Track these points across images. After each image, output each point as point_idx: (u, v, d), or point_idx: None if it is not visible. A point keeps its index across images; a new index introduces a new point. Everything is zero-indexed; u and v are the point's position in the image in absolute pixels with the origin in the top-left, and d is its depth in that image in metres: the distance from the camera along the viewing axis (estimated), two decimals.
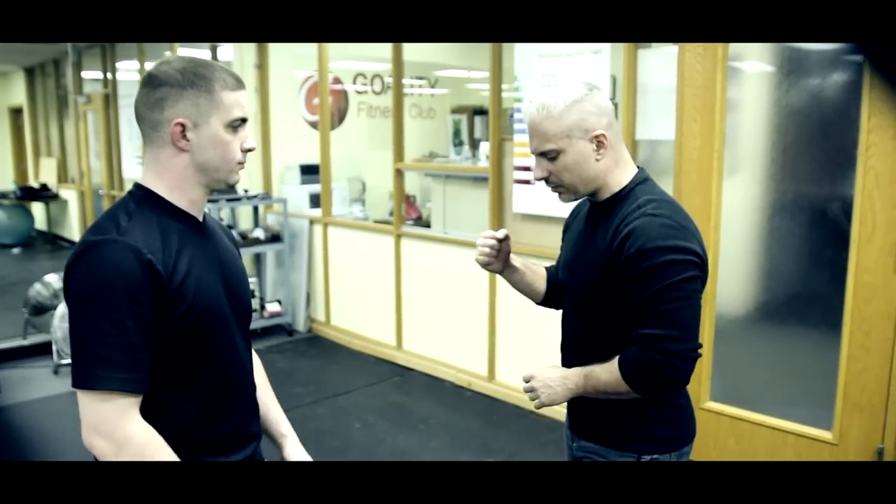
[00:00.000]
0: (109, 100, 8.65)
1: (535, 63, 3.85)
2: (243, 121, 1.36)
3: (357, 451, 3.74)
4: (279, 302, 5.84)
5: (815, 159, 3.08)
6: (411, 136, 5.65)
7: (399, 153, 4.99)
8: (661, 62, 3.43)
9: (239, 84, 1.36)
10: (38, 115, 11.51)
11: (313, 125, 6.26)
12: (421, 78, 7.59)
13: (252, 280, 5.83)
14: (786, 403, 3.19)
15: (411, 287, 5.00)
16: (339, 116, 6.83)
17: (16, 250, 10.17)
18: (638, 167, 1.69)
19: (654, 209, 1.55)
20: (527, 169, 3.91)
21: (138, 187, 1.36)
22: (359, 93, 7.08)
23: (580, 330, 1.75)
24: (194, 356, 1.35)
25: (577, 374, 1.65)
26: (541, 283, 1.93)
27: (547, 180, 1.65)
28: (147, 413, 1.28)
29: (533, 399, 1.69)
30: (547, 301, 1.95)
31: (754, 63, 3.21)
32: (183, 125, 1.31)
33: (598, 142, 1.60)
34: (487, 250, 1.81)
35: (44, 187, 10.83)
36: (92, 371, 1.21)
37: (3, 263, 9.30)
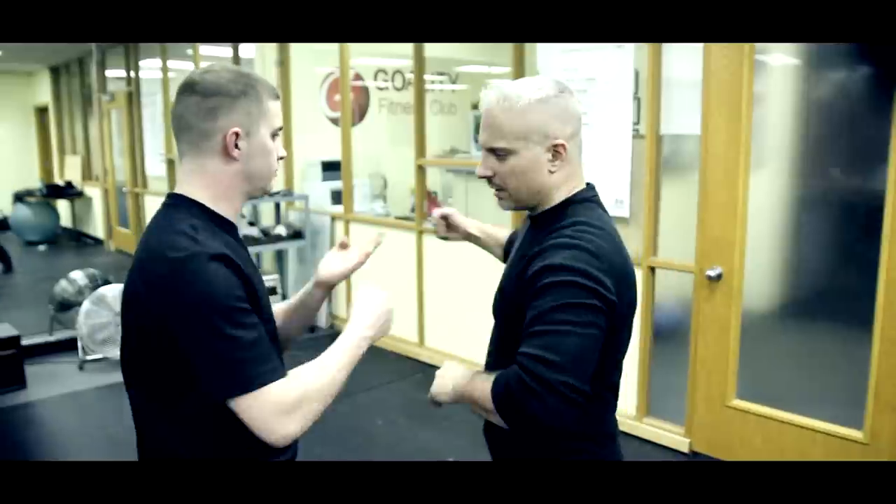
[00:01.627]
0: (133, 98, 8.73)
1: (558, 58, 3.82)
2: (281, 129, 1.40)
3: (379, 449, 3.73)
4: None
5: (844, 153, 3.02)
6: (432, 132, 5.62)
7: (420, 149, 4.97)
8: (685, 56, 3.38)
9: (278, 94, 1.39)
10: (64, 114, 11.65)
11: (334, 122, 6.26)
12: (442, 74, 7.57)
13: (274, 277, 5.86)
14: (815, 401, 3.14)
15: (433, 283, 4.98)
16: (361, 113, 6.83)
17: (42, 247, 10.29)
18: (588, 184, 1.53)
19: (577, 231, 1.38)
20: None
21: (182, 198, 1.33)
22: (380, 89, 7.08)
23: (494, 361, 1.59)
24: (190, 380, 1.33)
25: (467, 376, 1.45)
26: (497, 251, 1.94)
27: (490, 180, 1.49)
28: (209, 428, 1.30)
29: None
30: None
31: (780, 56, 3.16)
32: (237, 134, 1.31)
33: (556, 151, 1.42)
34: (439, 225, 1.95)
35: (69, 185, 10.96)
36: (243, 375, 1.21)
37: (29, 260, 9.42)
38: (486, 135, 1.45)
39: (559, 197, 1.47)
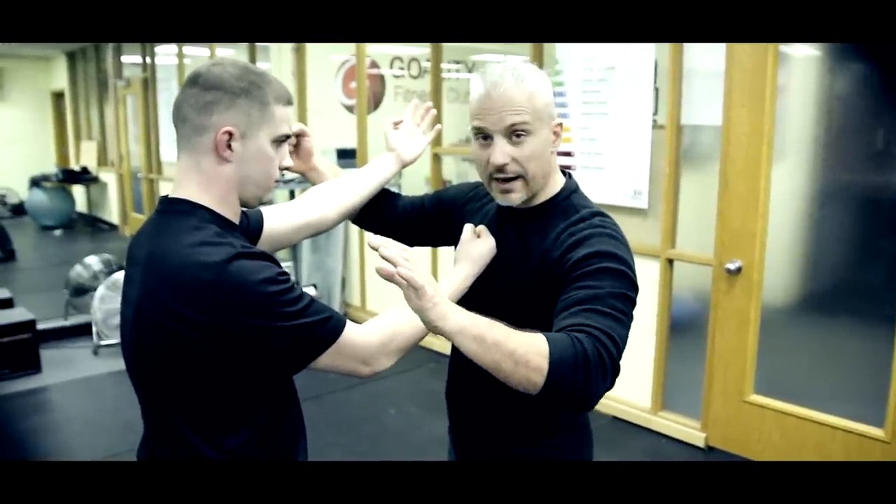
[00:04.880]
0: (148, 84, 8.74)
1: (577, 48, 3.77)
2: (287, 138, 1.33)
3: (392, 438, 3.72)
4: (315, 286, 5.85)
5: (869, 146, 2.96)
6: (448, 121, 5.59)
7: (436, 137, 4.93)
8: (707, 46, 3.32)
9: (290, 100, 1.32)
10: (80, 100, 11.70)
11: (350, 109, 6.24)
12: (458, 62, 7.53)
13: (288, 264, 5.86)
14: (835, 398, 3.10)
15: (446, 272, 4.95)
16: (376, 101, 6.79)
17: (57, 232, 10.35)
18: (565, 172, 1.48)
19: (602, 223, 1.35)
20: (566, 154, 3.83)
21: (188, 203, 1.27)
22: (395, 77, 7.04)
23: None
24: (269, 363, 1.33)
25: (473, 314, 1.16)
26: (353, 201, 1.68)
27: (501, 169, 1.34)
28: (232, 428, 1.29)
29: (394, 276, 1.12)
30: (362, 221, 1.77)
31: (803, 47, 3.10)
32: (230, 134, 1.24)
33: (555, 133, 1.37)
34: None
35: (84, 170, 11.01)
36: (320, 334, 1.25)
37: (45, 245, 9.48)
38: (497, 117, 1.30)
39: (550, 185, 1.42)
